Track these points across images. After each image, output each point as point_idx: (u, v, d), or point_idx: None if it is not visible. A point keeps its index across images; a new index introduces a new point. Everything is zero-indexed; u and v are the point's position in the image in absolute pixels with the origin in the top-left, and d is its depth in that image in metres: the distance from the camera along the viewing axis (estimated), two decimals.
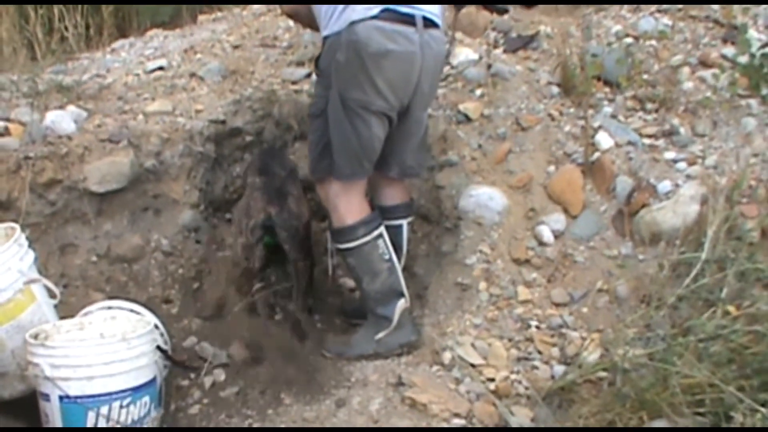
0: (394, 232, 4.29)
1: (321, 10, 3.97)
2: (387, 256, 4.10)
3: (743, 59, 5.07)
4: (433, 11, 3.94)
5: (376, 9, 3.76)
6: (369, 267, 4.09)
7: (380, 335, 4.12)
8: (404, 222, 4.40)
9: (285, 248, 4.31)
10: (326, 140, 4.06)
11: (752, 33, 5.38)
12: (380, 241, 4.09)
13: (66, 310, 3.97)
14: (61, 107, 4.91)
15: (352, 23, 3.79)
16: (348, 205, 4.08)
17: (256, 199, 4.35)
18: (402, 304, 4.12)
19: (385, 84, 3.84)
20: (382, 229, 4.11)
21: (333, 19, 3.89)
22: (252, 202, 4.37)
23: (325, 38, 4.00)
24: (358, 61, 3.80)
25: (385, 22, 3.77)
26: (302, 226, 4.39)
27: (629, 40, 5.28)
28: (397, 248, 4.27)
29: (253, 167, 4.67)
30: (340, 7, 3.84)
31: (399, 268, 4.16)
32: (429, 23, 3.91)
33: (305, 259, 4.44)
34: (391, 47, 3.78)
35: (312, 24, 4.30)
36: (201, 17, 7.03)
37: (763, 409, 3.05)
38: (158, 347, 3.65)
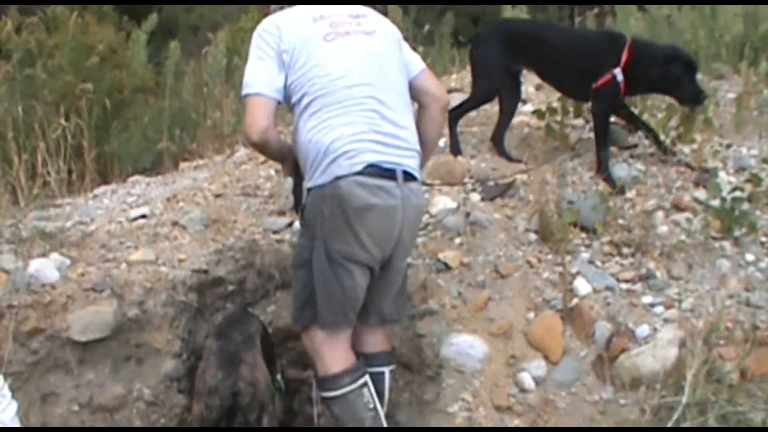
0: (376, 379, 4.27)
1: (307, 160, 3.99)
2: (371, 405, 4.08)
3: (715, 203, 5.18)
4: (411, 165, 4.00)
5: (360, 165, 3.83)
6: (353, 416, 4.06)
7: None
8: (386, 369, 4.38)
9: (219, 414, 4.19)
10: (310, 290, 4.07)
11: (723, 176, 5.52)
12: (365, 390, 4.07)
13: None
14: (45, 255, 4.94)
15: (337, 178, 3.83)
16: (333, 353, 4.08)
17: (210, 362, 4.30)
18: None
19: (368, 237, 3.88)
20: (366, 378, 4.10)
21: (318, 171, 3.91)
22: (207, 365, 4.32)
23: (309, 189, 4.02)
24: (342, 214, 3.84)
25: (368, 178, 3.82)
26: (260, 393, 4.28)
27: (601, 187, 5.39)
28: (380, 395, 4.25)
29: (213, 330, 4.68)
30: (326, 160, 3.87)
31: (382, 416, 4.13)
32: (408, 177, 3.97)
33: (271, 421, 4.34)
34: (373, 201, 3.83)
35: (275, 156, 4.35)
36: (183, 164, 7.12)
37: None
38: None
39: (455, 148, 5.90)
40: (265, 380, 4.36)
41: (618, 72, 5.40)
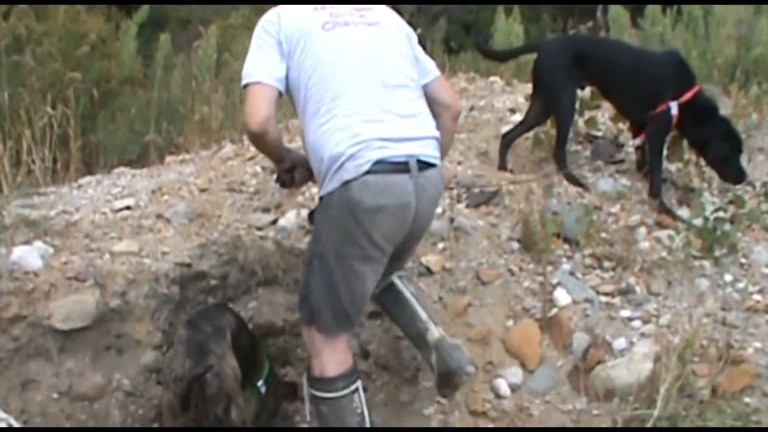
0: (388, 290, 4.34)
1: (321, 170, 3.91)
2: (359, 410, 4.02)
3: (698, 221, 5.24)
4: (425, 153, 3.91)
5: (367, 164, 3.74)
6: (340, 419, 4.01)
7: None
8: (392, 278, 4.34)
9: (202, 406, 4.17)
10: (309, 290, 4.03)
11: (707, 196, 5.59)
12: (356, 396, 4.01)
13: None
14: (28, 242, 4.92)
15: (346, 182, 3.76)
16: (332, 355, 4.00)
17: (178, 351, 4.26)
18: None
19: (381, 236, 3.84)
20: (358, 384, 4.04)
21: (327, 179, 3.84)
22: (175, 354, 4.28)
23: (320, 198, 3.96)
24: (353, 218, 3.78)
25: (378, 175, 3.75)
26: (228, 384, 4.23)
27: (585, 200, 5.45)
28: (400, 298, 4.33)
29: (183, 320, 4.67)
30: (333, 167, 3.79)
31: (368, 421, 4.07)
32: (425, 165, 3.89)
33: (240, 415, 4.28)
34: (383, 202, 3.77)
35: (273, 151, 4.24)
36: (169, 158, 7.09)
37: None
38: None
39: (503, 166, 5.94)
40: (234, 373, 4.30)
41: (674, 105, 5.47)
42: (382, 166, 3.76)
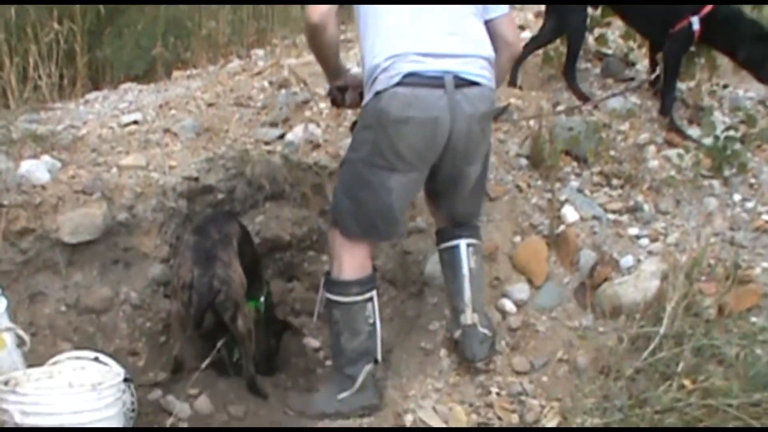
0: (451, 253, 4.32)
1: (365, 83, 3.91)
2: (371, 320, 4.07)
3: (707, 140, 5.20)
4: (468, 70, 3.85)
5: (398, 76, 3.73)
6: (351, 325, 4.05)
7: (343, 395, 4.10)
8: (461, 242, 4.31)
9: (199, 314, 4.20)
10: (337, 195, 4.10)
11: (717, 115, 5.55)
12: (369, 305, 4.05)
13: (33, 358, 3.91)
14: (36, 156, 4.90)
15: (377, 93, 3.77)
16: (351, 259, 4.03)
17: (186, 258, 4.29)
18: (369, 368, 4.10)
19: (408, 149, 3.81)
20: (374, 294, 4.07)
21: (366, 90, 3.87)
22: (182, 260, 4.32)
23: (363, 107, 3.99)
24: (380, 128, 3.79)
25: (407, 88, 3.73)
26: (234, 291, 4.27)
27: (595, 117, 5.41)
28: (457, 269, 4.30)
29: (191, 226, 4.70)
30: (371, 78, 3.80)
31: (379, 333, 4.11)
32: (464, 82, 3.83)
33: (246, 323, 4.34)
34: (411, 114, 3.74)
35: (329, 58, 4.18)
36: (176, 73, 7.06)
37: None
38: (125, 378, 3.66)
39: (513, 82, 5.87)
40: (240, 280, 4.33)
41: (695, 20, 5.39)
42: (414, 79, 3.74)
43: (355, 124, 4.14)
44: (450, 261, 4.33)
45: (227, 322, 4.25)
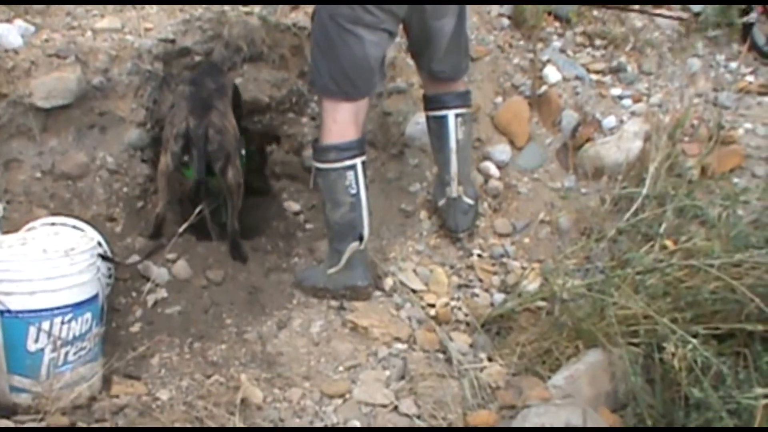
0: (439, 123, 4.26)
1: None
2: (353, 191, 3.93)
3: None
4: None
5: None
6: (332, 195, 3.96)
7: (331, 270, 4.03)
8: (449, 113, 4.24)
9: (202, 161, 4.20)
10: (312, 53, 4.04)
11: None
12: (350, 173, 3.93)
13: (9, 225, 3.92)
14: (8, 21, 4.78)
15: None
16: (332, 124, 3.95)
17: (182, 107, 4.28)
18: (355, 246, 3.98)
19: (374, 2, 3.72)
20: (356, 161, 3.95)
21: None
22: (177, 110, 4.30)
23: None
24: None
25: None
26: (228, 142, 4.27)
27: None
28: (444, 141, 4.24)
29: (186, 77, 4.66)
30: None
31: (365, 207, 3.99)
32: None
33: (236, 175, 4.33)
34: None
35: None
36: None
37: (694, 341, 3.12)
38: (101, 255, 3.64)
39: None
40: (234, 131, 4.33)
41: None
42: None
43: None
44: (437, 131, 4.28)
45: (217, 173, 4.24)
